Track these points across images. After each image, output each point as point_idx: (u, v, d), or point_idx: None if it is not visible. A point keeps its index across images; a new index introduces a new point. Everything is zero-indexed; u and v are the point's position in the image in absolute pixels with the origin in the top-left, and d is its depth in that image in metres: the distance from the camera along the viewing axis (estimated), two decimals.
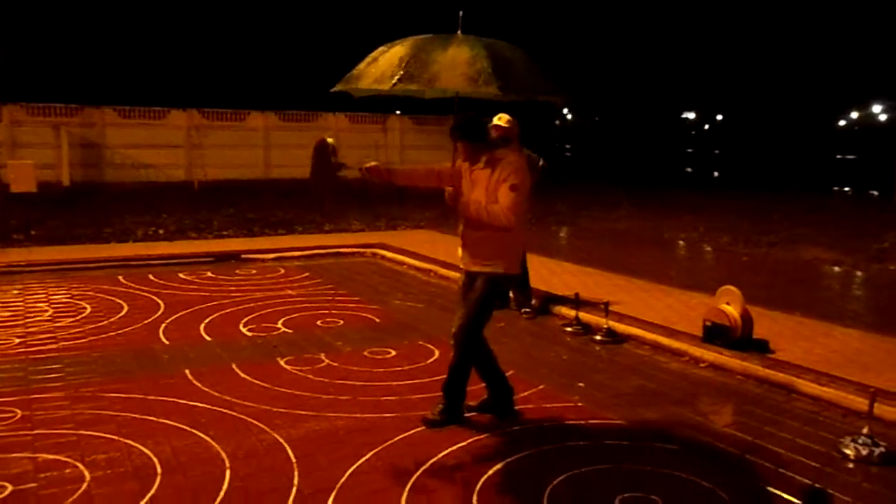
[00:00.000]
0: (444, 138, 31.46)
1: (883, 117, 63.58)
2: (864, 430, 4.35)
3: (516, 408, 4.86)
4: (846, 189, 28.61)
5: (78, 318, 7.25)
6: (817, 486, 3.84)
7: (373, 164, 4.76)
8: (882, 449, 4.24)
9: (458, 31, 4.69)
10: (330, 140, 4.88)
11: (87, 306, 7.71)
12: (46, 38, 39.56)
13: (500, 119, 7.33)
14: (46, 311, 7.52)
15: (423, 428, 4.58)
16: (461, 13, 4.72)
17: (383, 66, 4.55)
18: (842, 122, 68.56)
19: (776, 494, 3.81)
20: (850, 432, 4.49)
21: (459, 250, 4.73)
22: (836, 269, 10.43)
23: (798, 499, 3.74)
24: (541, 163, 7.40)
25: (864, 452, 4.23)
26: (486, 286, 4.54)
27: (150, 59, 42.80)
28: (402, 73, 4.38)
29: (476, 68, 4.31)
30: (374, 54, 4.79)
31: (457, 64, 4.37)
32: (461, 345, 4.56)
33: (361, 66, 4.77)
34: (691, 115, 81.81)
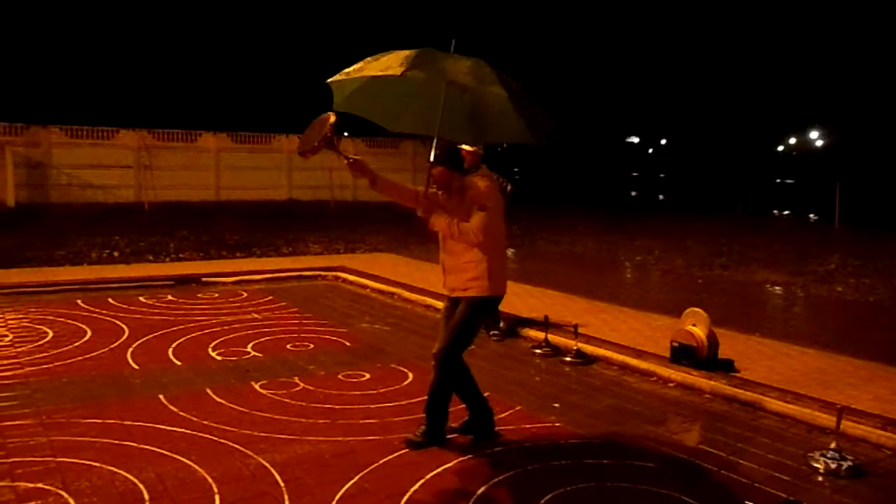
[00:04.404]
0: (397, 160, 31.62)
1: (820, 143, 65.90)
2: (832, 445, 4.56)
3: (496, 429, 4.94)
4: (786, 212, 29.56)
5: (41, 342, 7.11)
6: (791, 498, 4.00)
7: (359, 158, 4.71)
8: (849, 462, 4.44)
9: (451, 51, 4.73)
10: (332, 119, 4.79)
11: (49, 331, 7.56)
12: None
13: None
14: (6, 335, 7.35)
15: (407, 450, 4.63)
16: (454, 41, 4.76)
17: (388, 61, 4.44)
18: (780, 148, 70.77)
19: None
20: (817, 447, 4.69)
21: (442, 277, 4.82)
22: (788, 290, 10.80)
23: None
24: (508, 187, 7.55)
25: (833, 466, 4.42)
26: (468, 309, 4.62)
27: (99, 78, 42.06)
28: (410, 63, 4.32)
29: (483, 71, 4.38)
30: (370, 57, 4.72)
31: (461, 66, 4.42)
32: (442, 367, 4.63)
33: (359, 64, 4.64)
34: (635, 140, 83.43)
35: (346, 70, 4.65)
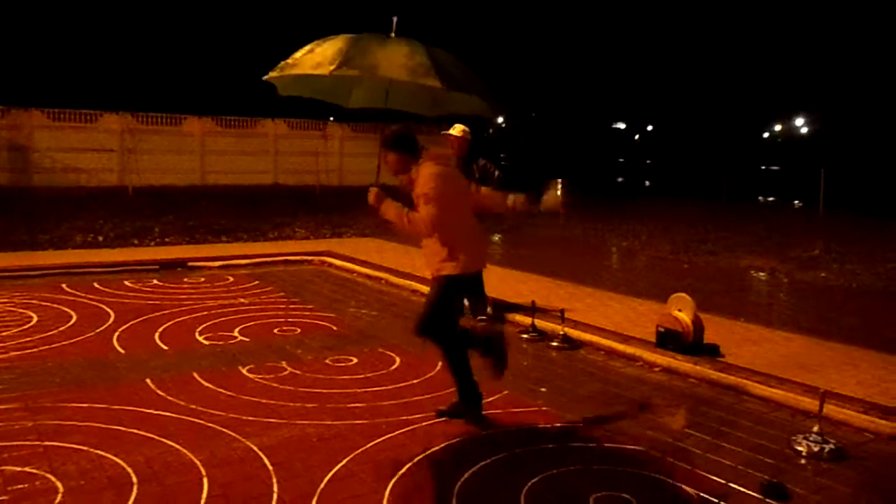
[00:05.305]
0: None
1: (805, 129, 66.20)
2: (815, 429, 4.62)
3: (483, 413, 4.96)
4: (771, 199, 29.73)
5: (25, 327, 7.06)
6: (774, 480, 4.05)
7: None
8: (831, 446, 4.50)
9: (392, 34, 4.73)
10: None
11: (34, 315, 7.51)
12: None
13: (455, 129, 7.49)
14: None
15: (395, 433, 4.65)
16: (395, 18, 4.76)
17: (320, 55, 4.49)
18: (766, 134, 71.07)
19: (737, 489, 4.01)
20: (801, 431, 4.75)
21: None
22: (772, 276, 10.88)
23: (758, 492, 3.95)
24: (497, 173, 7.56)
25: (816, 449, 4.48)
26: (438, 286, 4.74)
27: (82, 60, 41.56)
28: (341, 59, 4.31)
29: (416, 61, 4.35)
30: (309, 46, 4.73)
31: (396, 56, 4.39)
32: (424, 334, 4.74)
33: (297, 55, 4.69)
34: (622, 126, 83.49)
35: (280, 65, 4.70)
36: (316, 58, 4.47)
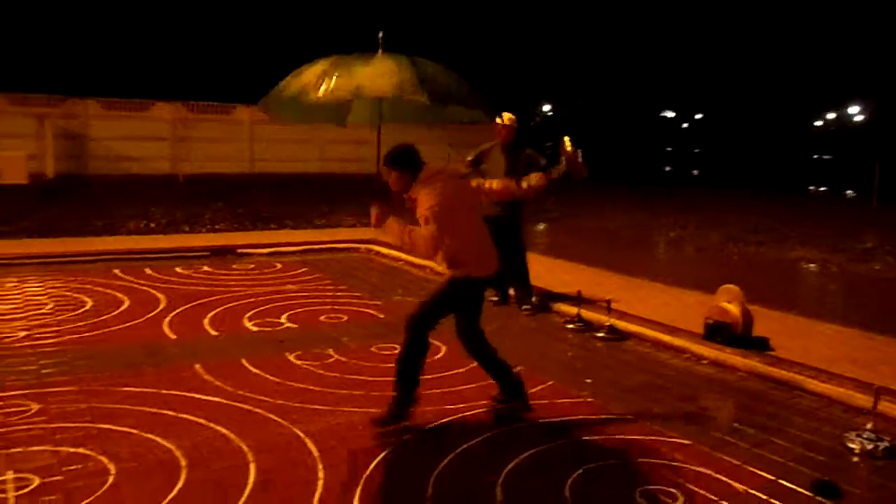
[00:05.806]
0: (418, 137, 31.82)
1: (859, 118, 64.32)
2: (868, 426, 4.51)
3: (529, 402, 4.94)
4: (822, 189, 29.06)
5: (79, 311, 7.24)
6: (826, 479, 3.96)
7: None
8: (886, 443, 4.39)
9: (379, 51, 4.76)
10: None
11: (88, 300, 7.70)
12: (29, 27, 39.05)
13: (503, 118, 7.46)
14: (47, 304, 7.50)
15: (439, 422, 4.67)
16: (381, 34, 4.78)
17: (307, 78, 4.61)
18: (818, 123, 69.31)
19: (788, 487, 3.93)
20: (853, 427, 4.64)
21: None
22: (823, 268, 10.64)
23: (809, 490, 3.87)
24: (542, 162, 7.50)
25: (869, 447, 4.37)
26: (444, 284, 4.72)
27: (135, 50, 42.36)
28: (327, 85, 4.45)
29: (401, 77, 4.42)
30: (295, 72, 4.86)
31: (381, 73, 4.49)
32: (408, 331, 4.70)
33: (284, 82, 4.84)
34: (670, 114, 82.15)
35: (271, 94, 4.85)
36: (302, 81, 4.64)
